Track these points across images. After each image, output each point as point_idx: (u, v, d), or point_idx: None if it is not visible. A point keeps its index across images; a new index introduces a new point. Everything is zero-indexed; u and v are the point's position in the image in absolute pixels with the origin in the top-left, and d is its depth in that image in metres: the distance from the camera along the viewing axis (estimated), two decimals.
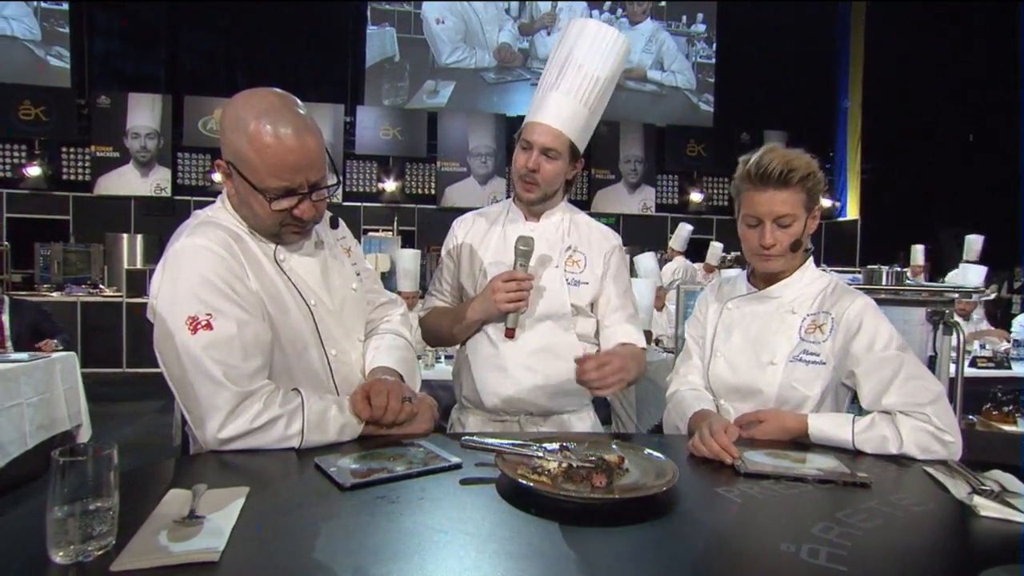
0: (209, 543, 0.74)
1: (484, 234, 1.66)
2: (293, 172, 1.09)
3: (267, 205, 1.11)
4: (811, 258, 1.43)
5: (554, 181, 1.57)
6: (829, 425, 1.25)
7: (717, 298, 1.53)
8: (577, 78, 1.50)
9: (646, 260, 5.50)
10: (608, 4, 10.41)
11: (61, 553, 0.69)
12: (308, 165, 1.10)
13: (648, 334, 4.15)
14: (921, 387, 1.23)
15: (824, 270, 1.46)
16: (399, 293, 4.08)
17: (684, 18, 10.61)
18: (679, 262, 6.79)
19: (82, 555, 0.70)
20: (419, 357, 3.48)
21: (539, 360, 1.55)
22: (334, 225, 1.36)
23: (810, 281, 1.40)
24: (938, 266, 8.65)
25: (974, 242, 6.08)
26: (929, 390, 1.22)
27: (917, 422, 1.20)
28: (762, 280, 1.44)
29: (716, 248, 7.11)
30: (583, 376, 1.34)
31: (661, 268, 6.39)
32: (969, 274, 4.56)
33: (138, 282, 7.22)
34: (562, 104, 1.51)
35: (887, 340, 1.28)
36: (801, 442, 1.24)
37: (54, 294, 7.19)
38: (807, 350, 1.34)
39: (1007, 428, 2.86)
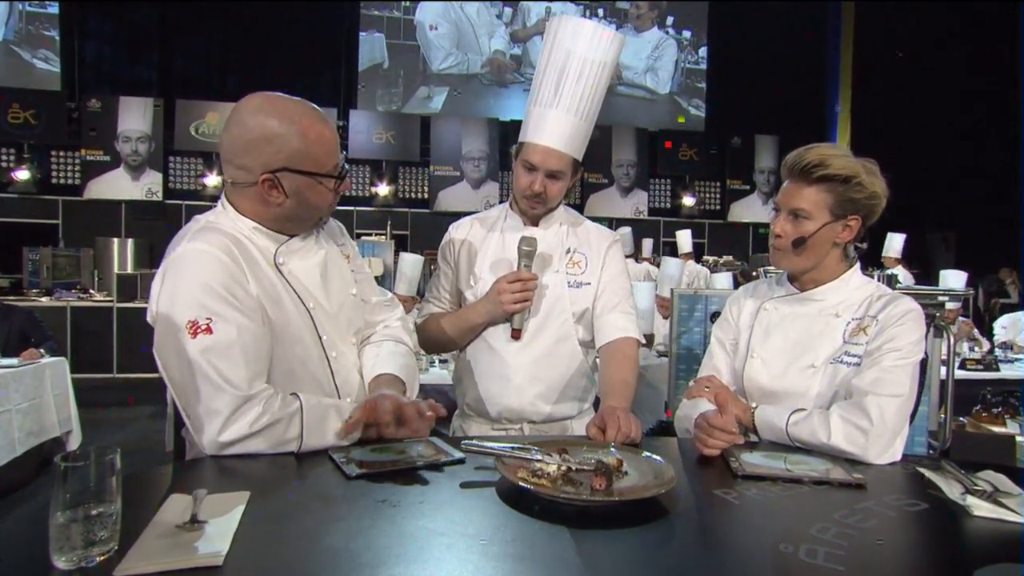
0: (212, 547, 0.74)
1: (482, 239, 1.64)
2: (338, 148, 1.22)
3: (333, 187, 1.21)
4: (857, 264, 1.39)
5: (559, 196, 1.57)
6: (772, 413, 1.28)
7: (753, 298, 1.49)
8: (577, 91, 1.46)
9: (671, 266, 5.02)
10: (602, 8, 10.46)
11: (64, 559, 0.69)
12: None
13: (650, 337, 4.13)
14: (890, 380, 1.21)
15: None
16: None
17: (669, 19, 10.70)
18: (693, 267, 6.87)
19: (85, 560, 0.70)
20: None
21: (542, 368, 1.55)
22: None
23: (856, 287, 1.36)
24: (924, 269, 8.73)
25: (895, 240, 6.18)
26: (895, 385, 1.21)
27: (848, 415, 1.19)
28: (803, 282, 1.40)
29: (685, 236, 7.14)
30: (609, 441, 1.22)
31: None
32: (950, 280, 4.60)
33: (129, 287, 7.16)
34: (564, 124, 1.47)
35: (906, 346, 1.25)
36: (795, 444, 1.25)
37: (43, 299, 7.11)
38: (848, 351, 1.30)
39: (996, 429, 2.90)
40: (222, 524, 0.80)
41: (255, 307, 1.14)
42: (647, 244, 7.91)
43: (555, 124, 1.47)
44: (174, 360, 1.07)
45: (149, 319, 1.12)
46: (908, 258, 6.71)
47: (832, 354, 1.32)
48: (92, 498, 0.72)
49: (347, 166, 1.24)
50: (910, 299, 1.32)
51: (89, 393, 5.14)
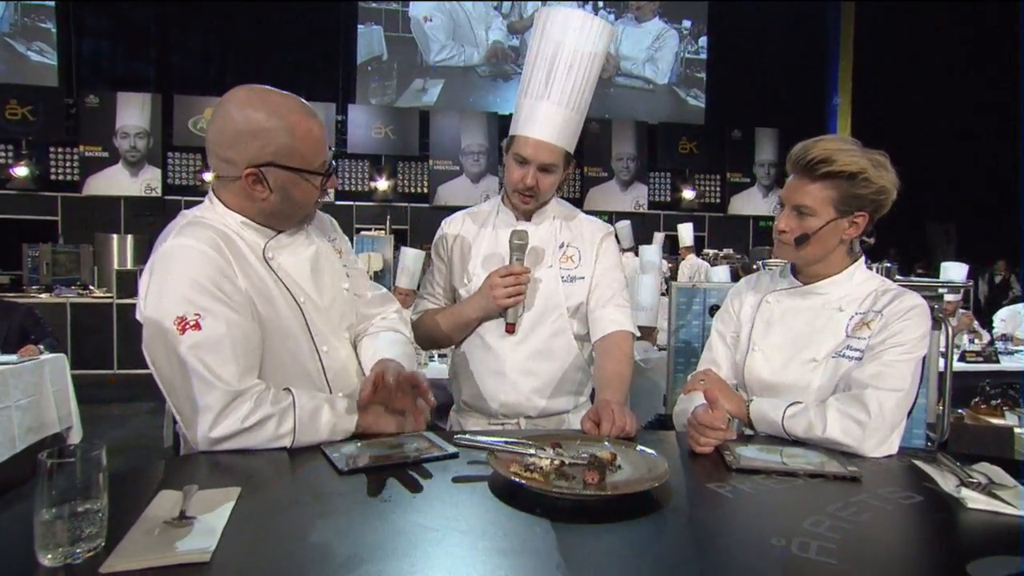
0: (200, 543, 0.73)
1: (475, 235, 1.63)
2: (325, 145, 1.20)
3: (318, 184, 1.20)
4: (863, 258, 1.37)
5: (552, 190, 1.56)
6: (767, 407, 1.26)
7: (755, 291, 1.47)
8: (568, 82, 1.44)
9: (650, 252, 4.98)
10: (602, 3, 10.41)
11: (49, 556, 0.69)
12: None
13: (651, 330, 4.08)
14: (891, 374, 1.20)
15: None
16: (395, 289, 4.06)
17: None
18: (694, 260, 6.84)
19: (70, 557, 0.69)
20: None
21: (537, 363, 1.54)
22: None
23: (860, 281, 1.34)
24: (926, 260, 8.71)
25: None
26: (895, 379, 1.20)
27: (846, 408, 1.18)
28: (807, 275, 1.38)
29: (687, 230, 7.12)
30: (604, 435, 1.22)
31: (677, 266, 6.44)
32: (951, 272, 4.60)
33: (128, 283, 7.15)
34: (555, 116, 1.45)
35: (910, 341, 1.23)
36: (791, 438, 1.24)
37: (43, 295, 7.11)
38: (851, 346, 1.28)
39: (995, 421, 2.89)
40: (211, 520, 0.80)
41: (244, 302, 1.13)
42: (658, 237, 7.53)
43: (546, 116, 1.45)
44: (163, 357, 1.07)
45: (138, 316, 1.11)
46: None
47: (834, 348, 1.30)
48: (78, 494, 0.71)
49: (335, 163, 1.23)
50: (916, 295, 1.30)
51: (89, 389, 5.14)
